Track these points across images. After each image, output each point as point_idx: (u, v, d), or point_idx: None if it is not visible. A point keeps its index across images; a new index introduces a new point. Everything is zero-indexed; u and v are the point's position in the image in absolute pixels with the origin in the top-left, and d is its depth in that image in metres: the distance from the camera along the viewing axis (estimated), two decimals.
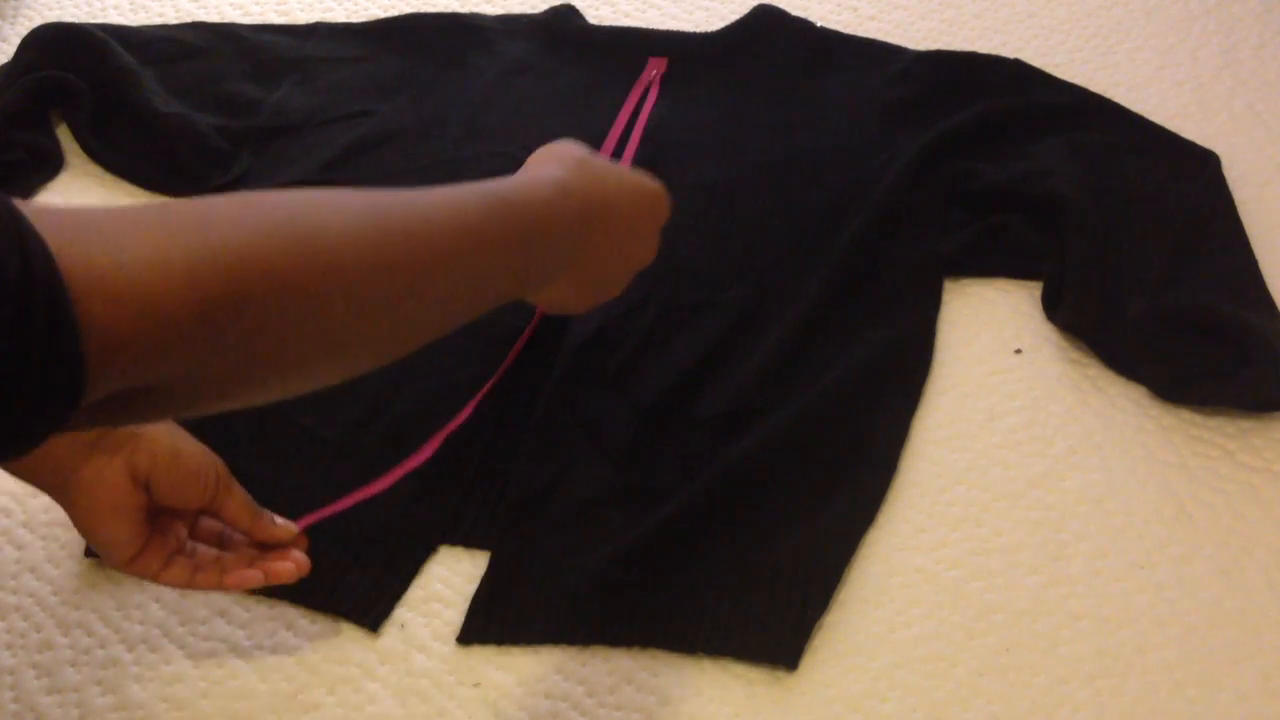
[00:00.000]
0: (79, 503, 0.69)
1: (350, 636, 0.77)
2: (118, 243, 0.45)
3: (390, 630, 0.78)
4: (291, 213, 0.51)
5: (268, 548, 0.73)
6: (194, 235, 0.47)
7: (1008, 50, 1.15)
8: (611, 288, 0.75)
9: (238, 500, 0.72)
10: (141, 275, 0.44)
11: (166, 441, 0.69)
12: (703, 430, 0.86)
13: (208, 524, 0.73)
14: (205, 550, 0.72)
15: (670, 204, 0.75)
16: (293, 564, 0.73)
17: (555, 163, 0.69)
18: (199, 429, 0.72)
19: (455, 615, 0.78)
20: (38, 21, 1.19)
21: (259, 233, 0.49)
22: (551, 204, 0.65)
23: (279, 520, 0.74)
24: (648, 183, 0.74)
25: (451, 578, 0.80)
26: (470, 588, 0.79)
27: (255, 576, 0.72)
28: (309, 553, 0.74)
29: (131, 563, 0.70)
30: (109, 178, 1.08)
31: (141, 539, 0.69)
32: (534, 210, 0.64)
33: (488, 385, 0.87)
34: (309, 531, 0.75)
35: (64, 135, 1.11)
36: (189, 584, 0.71)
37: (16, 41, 1.14)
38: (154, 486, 0.69)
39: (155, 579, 0.71)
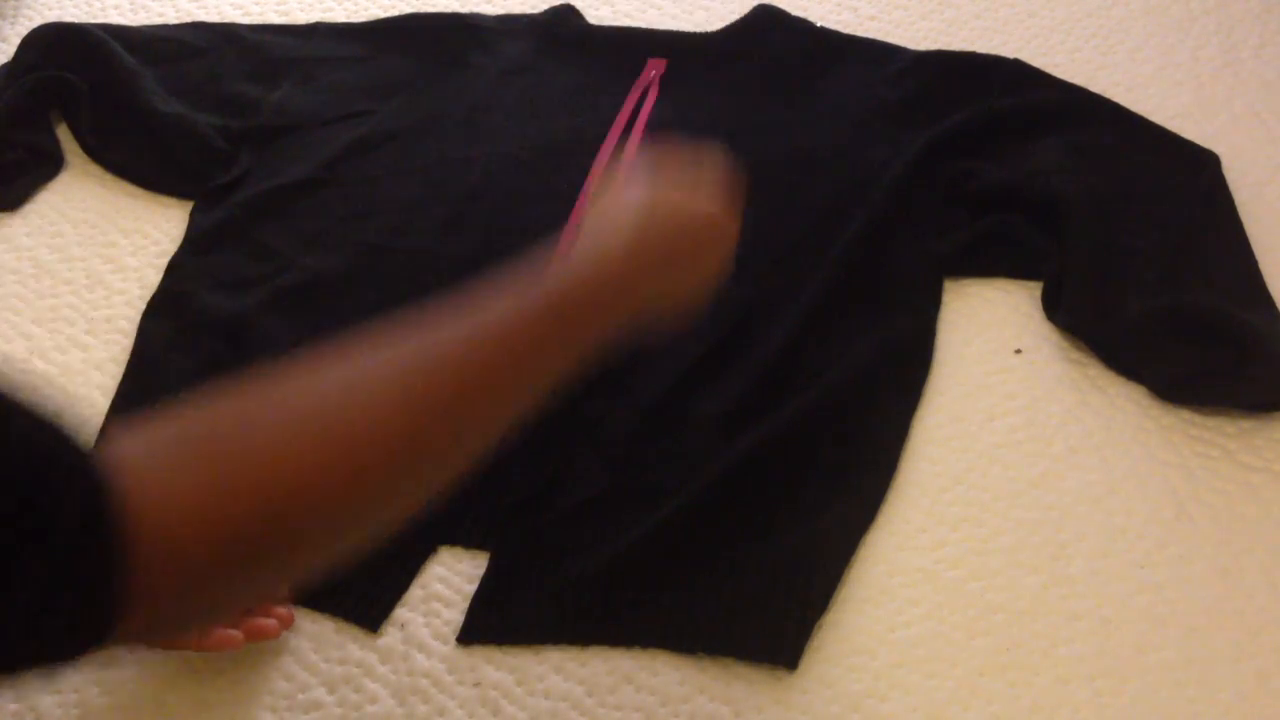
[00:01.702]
0: None
1: (350, 636, 0.77)
2: (165, 482, 0.47)
3: (390, 630, 0.78)
4: (324, 422, 0.52)
5: None
6: (233, 464, 0.49)
7: (1008, 50, 1.15)
8: (676, 319, 0.69)
9: None
10: (181, 515, 0.47)
11: None
12: (702, 430, 0.86)
13: None
14: None
15: (738, 224, 0.71)
16: (275, 621, 0.73)
17: (626, 214, 0.66)
18: None
19: (455, 615, 0.78)
20: (38, 21, 1.19)
21: (292, 454, 0.51)
22: (620, 280, 0.63)
23: None
24: (715, 213, 0.70)
25: (451, 578, 0.80)
26: (470, 588, 0.79)
27: (236, 638, 0.72)
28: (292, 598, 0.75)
29: None
30: (109, 178, 1.08)
31: None
32: (599, 295, 0.62)
33: None
34: None
35: (64, 135, 1.11)
36: (168, 646, 0.72)
37: (16, 41, 1.14)
38: None
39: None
